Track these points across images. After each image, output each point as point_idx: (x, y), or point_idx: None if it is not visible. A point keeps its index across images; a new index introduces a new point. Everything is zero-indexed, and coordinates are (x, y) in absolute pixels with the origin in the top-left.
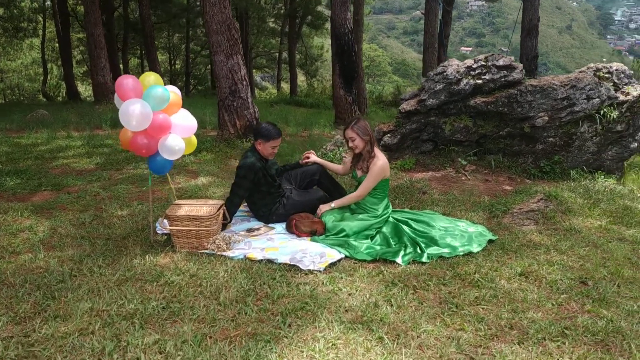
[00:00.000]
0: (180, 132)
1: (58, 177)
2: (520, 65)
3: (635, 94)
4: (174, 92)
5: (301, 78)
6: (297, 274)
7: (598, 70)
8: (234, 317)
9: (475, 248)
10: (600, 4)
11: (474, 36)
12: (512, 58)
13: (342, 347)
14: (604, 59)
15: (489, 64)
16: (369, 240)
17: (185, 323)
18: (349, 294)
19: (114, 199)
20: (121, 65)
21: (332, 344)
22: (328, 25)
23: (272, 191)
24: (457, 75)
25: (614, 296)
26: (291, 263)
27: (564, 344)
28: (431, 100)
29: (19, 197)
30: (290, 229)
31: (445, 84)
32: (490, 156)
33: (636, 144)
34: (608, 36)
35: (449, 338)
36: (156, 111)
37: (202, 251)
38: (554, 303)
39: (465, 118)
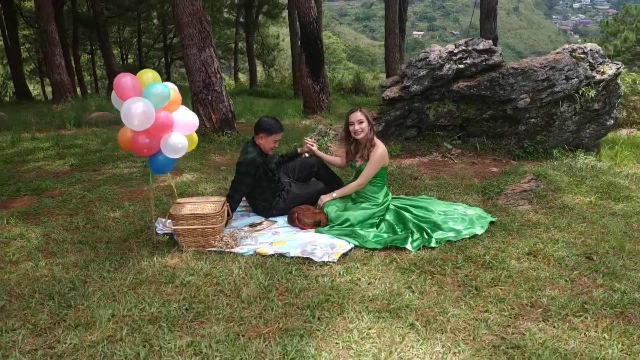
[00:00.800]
0: (182, 129)
1: (34, 181)
2: (499, 49)
3: (610, 72)
4: (173, 89)
5: (259, 68)
6: (312, 266)
7: (574, 50)
8: (260, 313)
9: (478, 230)
10: None
11: (425, 20)
12: (490, 42)
13: (376, 337)
14: (551, 39)
15: (470, 48)
16: (375, 229)
17: (214, 323)
18: (369, 283)
19: (102, 201)
20: (73, 62)
21: (366, 334)
22: (285, 13)
23: (272, 185)
24: (439, 60)
25: (622, 269)
26: (303, 256)
27: (587, 318)
28: (415, 86)
29: None
30: (292, 222)
31: (429, 69)
32: (474, 139)
33: (612, 121)
34: (554, 16)
35: (477, 320)
36: (157, 109)
37: (210, 249)
38: (567, 279)
39: (449, 103)
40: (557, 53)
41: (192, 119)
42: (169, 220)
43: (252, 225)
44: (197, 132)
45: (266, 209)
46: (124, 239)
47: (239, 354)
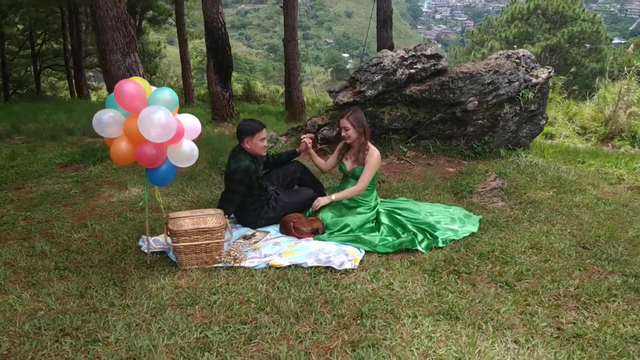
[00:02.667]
0: (190, 135)
1: None
2: (445, 55)
3: (543, 76)
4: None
5: None
6: (335, 274)
7: (509, 56)
8: (314, 328)
9: (473, 228)
10: None
11: (300, 29)
12: (433, 48)
13: (446, 340)
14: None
15: (419, 53)
16: (377, 233)
17: (272, 343)
18: (402, 288)
19: (54, 222)
20: None
21: (436, 338)
22: (171, 19)
23: (262, 194)
24: (393, 65)
25: (621, 256)
26: (322, 265)
27: (619, 302)
28: (370, 90)
29: None
30: (288, 232)
31: (383, 74)
32: (426, 141)
33: (544, 121)
34: (418, 26)
35: (526, 314)
36: None
37: (215, 265)
38: (580, 269)
39: (401, 107)
40: (496, 58)
41: (196, 122)
42: (169, 238)
43: (245, 238)
44: None
45: (254, 219)
46: (108, 262)
47: None
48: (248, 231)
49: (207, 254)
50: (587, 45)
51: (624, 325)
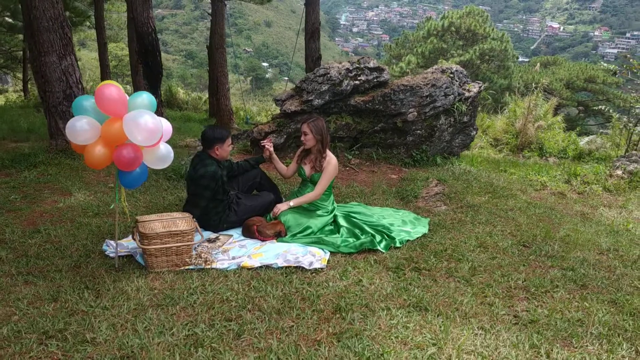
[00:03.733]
0: (165, 137)
1: None
2: (387, 68)
3: (475, 90)
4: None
5: None
6: (306, 273)
7: (444, 71)
8: (297, 323)
9: (424, 230)
10: (328, 9)
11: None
12: (376, 61)
13: (421, 329)
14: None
15: (362, 66)
16: (338, 235)
17: (262, 338)
18: (371, 284)
19: (2, 227)
20: None
21: (411, 328)
22: (89, 22)
23: (224, 198)
24: (339, 76)
25: (557, 253)
26: (292, 265)
27: (562, 292)
28: (317, 100)
29: None
30: (251, 235)
31: (330, 84)
32: (369, 149)
33: (474, 132)
34: (337, 38)
35: (485, 304)
36: None
37: (185, 268)
38: (524, 264)
39: (346, 116)
40: (432, 72)
41: (168, 125)
42: (123, 242)
43: (210, 241)
44: (55, 147)
45: (216, 222)
46: (73, 266)
47: (315, 359)
48: (211, 235)
49: (178, 257)
50: (496, 62)
51: (569, 311)
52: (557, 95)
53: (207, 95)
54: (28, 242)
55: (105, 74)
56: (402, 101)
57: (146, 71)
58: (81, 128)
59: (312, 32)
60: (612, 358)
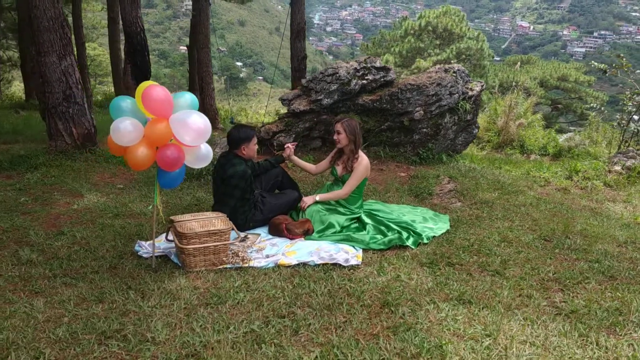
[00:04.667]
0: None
1: None
2: (392, 67)
3: (477, 89)
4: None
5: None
6: (344, 270)
7: (447, 70)
8: (348, 318)
9: (446, 226)
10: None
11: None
12: (380, 60)
13: (470, 321)
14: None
15: (369, 65)
16: (365, 232)
17: (318, 334)
18: (410, 279)
19: (24, 229)
20: None
21: (460, 320)
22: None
23: (251, 197)
24: (347, 76)
25: (579, 246)
26: (329, 262)
27: (593, 284)
28: (326, 99)
29: None
30: (279, 233)
31: (339, 84)
32: (375, 148)
33: (476, 130)
34: (310, 38)
35: (524, 296)
36: None
37: (222, 267)
38: (551, 257)
39: (354, 115)
40: (436, 72)
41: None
42: (175, 240)
43: (240, 240)
44: (55, 149)
45: (243, 222)
46: (109, 267)
47: (378, 353)
48: (240, 233)
49: (215, 256)
50: (473, 61)
51: (604, 301)
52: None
53: None
54: (55, 245)
55: (84, 75)
56: (409, 100)
57: (135, 71)
58: (125, 129)
59: (297, 32)
60: None
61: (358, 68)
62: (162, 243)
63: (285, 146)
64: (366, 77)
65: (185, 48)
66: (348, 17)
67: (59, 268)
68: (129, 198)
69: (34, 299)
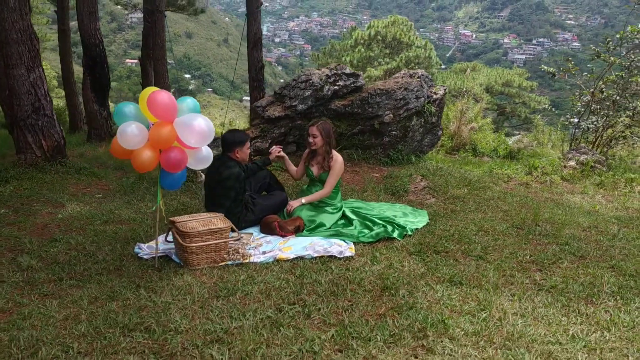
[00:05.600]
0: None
1: None
2: (362, 73)
3: (441, 93)
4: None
5: None
6: (340, 261)
7: (412, 75)
8: (354, 302)
9: (425, 220)
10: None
11: (138, 48)
12: (348, 68)
13: (464, 299)
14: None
15: (340, 72)
16: (352, 227)
17: (329, 316)
18: (402, 266)
19: (12, 240)
20: None
21: (462, 299)
22: None
23: (242, 198)
24: (320, 82)
25: (549, 232)
26: (325, 255)
27: (566, 263)
28: (301, 105)
29: None
30: (271, 231)
31: (313, 90)
32: (348, 151)
33: (440, 132)
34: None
35: (507, 276)
36: None
37: (223, 263)
38: (525, 243)
39: (326, 119)
40: (402, 77)
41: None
42: (174, 240)
43: (236, 240)
44: (24, 161)
45: (236, 222)
46: (113, 269)
47: (388, 330)
48: (233, 234)
49: (216, 253)
50: (421, 69)
51: (578, 277)
52: (480, 99)
53: None
54: (51, 251)
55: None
56: (379, 104)
57: (94, 83)
58: (131, 133)
59: (254, 42)
60: (629, 309)
61: (330, 74)
62: (160, 244)
63: (271, 150)
64: (337, 83)
65: (133, 61)
66: (296, 28)
67: (62, 272)
68: (114, 205)
69: (46, 300)
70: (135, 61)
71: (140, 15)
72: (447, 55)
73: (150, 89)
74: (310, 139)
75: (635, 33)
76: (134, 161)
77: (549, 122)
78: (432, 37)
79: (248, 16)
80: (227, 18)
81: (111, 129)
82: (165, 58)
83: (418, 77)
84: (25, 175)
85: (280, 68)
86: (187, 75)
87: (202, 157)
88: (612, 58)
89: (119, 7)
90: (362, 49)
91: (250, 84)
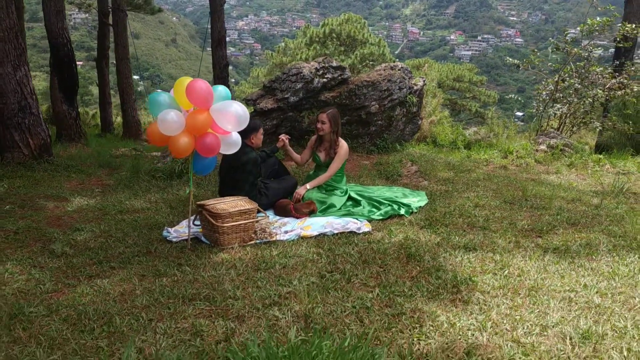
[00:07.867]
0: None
1: None
2: (347, 66)
3: (420, 84)
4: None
5: None
6: (360, 236)
7: (393, 68)
8: (385, 268)
9: (425, 199)
10: (197, 19)
11: (83, 50)
12: (336, 60)
13: (482, 260)
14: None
15: (327, 65)
16: (361, 207)
17: (367, 280)
18: (418, 238)
19: (35, 231)
20: None
21: (475, 261)
22: None
23: (257, 183)
24: (310, 75)
25: (538, 205)
26: (345, 231)
27: (562, 230)
28: (293, 97)
29: None
30: (286, 214)
31: (304, 82)
32: None
33: (420, 121)
34: (208, 48)
35: (513, 242)
36: None
37: (251, 242)
38: (520, 214)
39: (317, 111)
40: (384, 69)
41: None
42: (202, 223)
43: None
44: (11, 160)
45: None
46: (146, 253)
47: (425, 287)
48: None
49: (245, 233)
50: (376, 65)
51: (576, 240)
52: (435, 94)
53: (94, 110)
54: (79, 239)
55: None
56: (365, 95)
57: (61, 83)
58: (172, 119)
59: (218, 40)
60: (626, 262)
61: (319, 67)
62: (185, 229)
63: (280, 138)
64: (326, 76)
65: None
66: (245, 27)
67: (99, 256)
68: (122, 197)
69: (94, 280)
70: (82, 63)
71: (84, 16)
72: (396, 52)
73: (186, 79)
74: (319, 125)
75: (595, 26)
76: (172, 146)
77: (498, 115)
78: (380, 35)
79: (211, 14)
80: (174, 18)
81: (81, 129)
82: (129, 57)
83: (399, 69)
84: (16, 174)
85: (231, 68)
86: (136, 77)
87: (232, 141)
88: (575, 50)
89: (72, 5)
90: (318, 47)
91: (214, 82)
